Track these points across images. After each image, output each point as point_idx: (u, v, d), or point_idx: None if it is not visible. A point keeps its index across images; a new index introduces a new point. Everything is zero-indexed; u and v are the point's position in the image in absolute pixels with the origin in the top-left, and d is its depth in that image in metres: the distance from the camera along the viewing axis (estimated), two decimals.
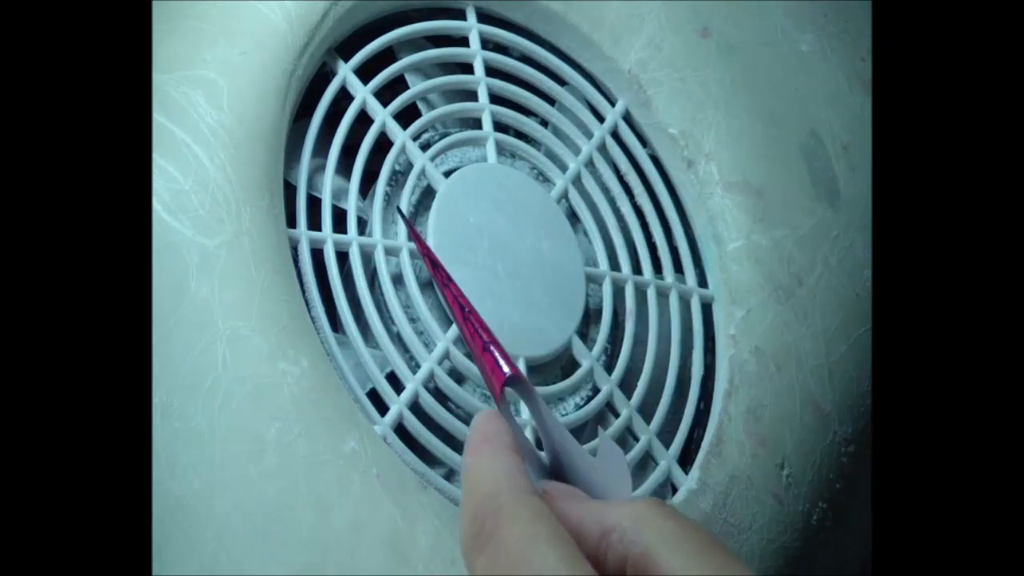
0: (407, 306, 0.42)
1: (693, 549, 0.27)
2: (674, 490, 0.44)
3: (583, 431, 0.44)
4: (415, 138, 0.45)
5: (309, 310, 0.39)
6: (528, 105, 0.49)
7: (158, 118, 0.38)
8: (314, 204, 0.41)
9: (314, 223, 0.41)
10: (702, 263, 0.50)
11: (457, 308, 0.35)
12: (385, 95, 0.44)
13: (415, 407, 0.40)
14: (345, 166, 0.44)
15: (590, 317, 0.47)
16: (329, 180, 0.42)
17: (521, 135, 0.49)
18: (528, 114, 0.49)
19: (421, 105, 0.47)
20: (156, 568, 0.33)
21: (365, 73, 0.44)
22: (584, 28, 0.50)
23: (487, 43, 0.49)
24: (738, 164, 0.50)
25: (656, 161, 0.51)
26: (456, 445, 0.40)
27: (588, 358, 0.44)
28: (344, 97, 0.44)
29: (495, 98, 0.48)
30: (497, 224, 0.44)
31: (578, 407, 0.44)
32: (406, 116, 0.45)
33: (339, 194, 0.42)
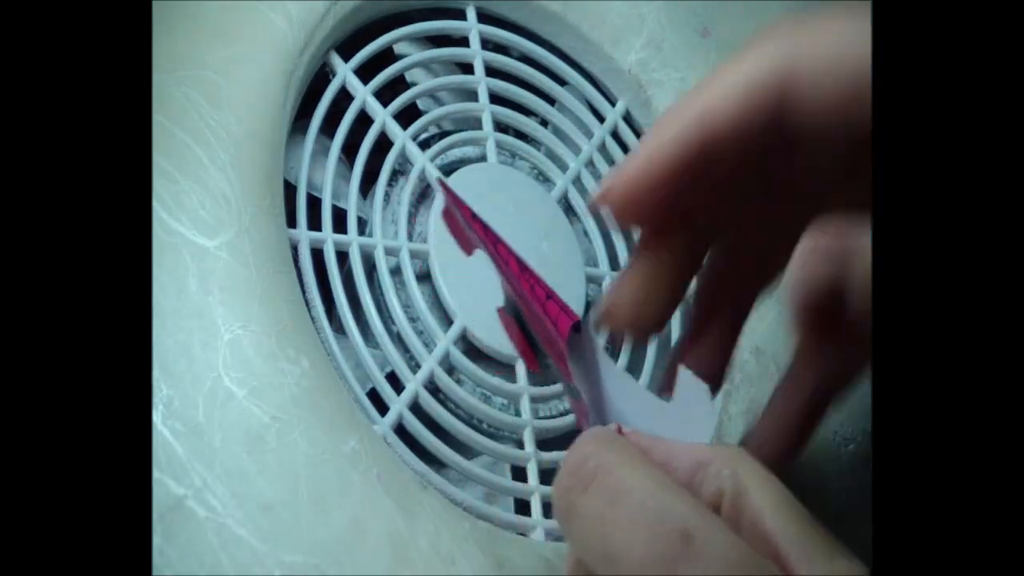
0: (407, 306, 0.42)
1: (783, 495, 0.26)
2: None
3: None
4: (415, 138, 0.45)
5: (309, 310, 0.39)
6: (528, 105, 0.49)
7: (158, 118, 0.38)
8: (314, 204, 0.41)
9: (314, 223, 0.41)
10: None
11: (514, 262, 0.35)
12: (385, 95, 0.44)
13: (415, 407, 0.40)
14: (345, 166, 0.44)
15: (590, 317, 0.47)
16: (329, 180, 0.42)
17: (521, 135, 0.49)
18: (528, 114, 0.49)
19: (421, 105, 0.47)
20: (156, 568, 0.33)
21: (365, 73, 0.44)
22: (584, 28, 0.50)
23: (487, 43, 0.49)
24: None
25: None
26: (456, 445, 0.40)
27: None
28: (344, 97, 0.44)
29: (495, 98, 0.48)
30: (497, 224, 0.44)
31: None
32: (406, 116, 0.45)
33: (339, 194, 0.42)
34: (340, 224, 0.42)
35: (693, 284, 0.34)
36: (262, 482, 0.34)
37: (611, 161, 0.50)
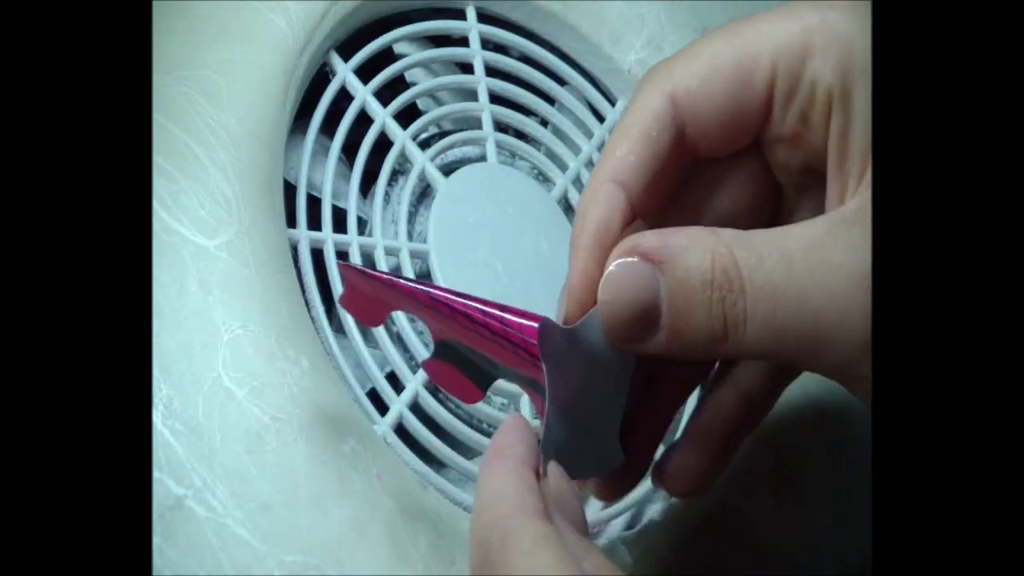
0: None
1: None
2: None
3: None
4: (415, 138, 0.45)
5: (309, 310, 0.39)
6: (528, 105, 0.49)
7: (158, 118, 0.38)
8: (314, 204, 0.41)
9: (314, 223, 0.41)
10: None
11: (451, 299, 0.32)
12: (385, 95, 0.44)
13: (415, 407, 0.40)
14: (345, 166, 0.44)
15: None
16: (329, 180, 0.42)
17: (521, 135, 0.49)
18: (528, 114, 0.49)
19: (421, 105, 0.47)
20: (156, 568, 0.33)
21: (365, 73, 0.44)
22: (584, 28, 0.50)
23: (487, 43, 0.49)
24: None
25: None
26: (456, 445, 0.40)
27: None
28: (344, 97, 0.44)
29: (495, 98, 0.48)
30: (497, 224, 0.44)
31: None
32: (406, 116, 0.45)
33: (339, 194, 0.42)
34: (340, 224, 0.42)
35: None
36: (262, 482, 0.34)
37: None
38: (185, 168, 0.37)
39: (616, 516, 0.43)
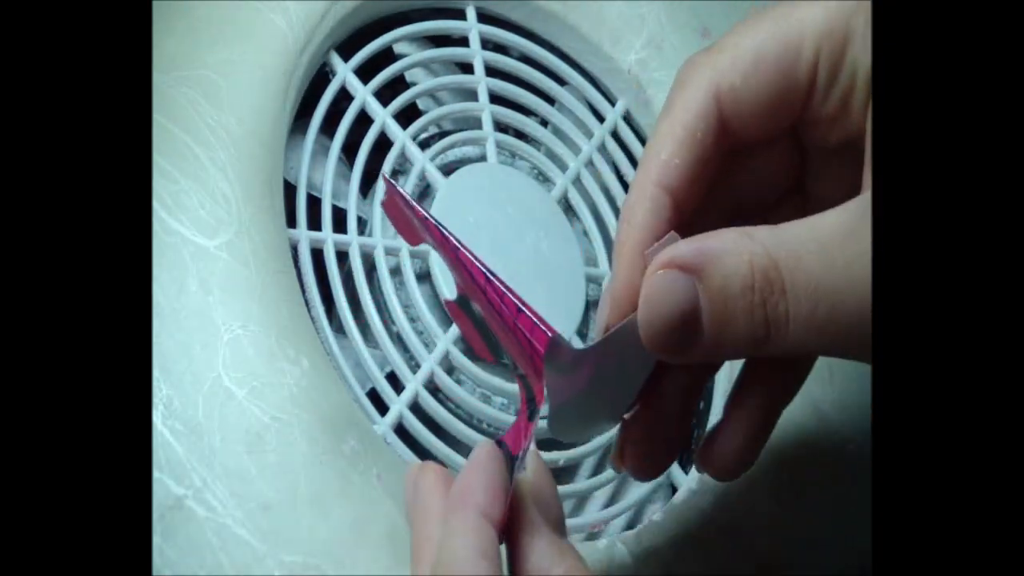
0: (407, 306, 0.42)
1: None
2: (674, 490, 0.44)
3: None
4: (415, 138, 0.45)
5: (309, 310, 0.39)
6: (528, 105, 0.49)
7: (158, 118, 0.38)
8: (314, 204, 0.41)
9: (314, 223, 0.41)
10: None
11: (479, 271, 0.32)
12: (385, 95, 0.44)
13: (415, 407, 0.40)
14: (345, 166, 0.44)
15: (590, 317, 0.47)
16: (329, 180, 0.42)
17: (521, 135, 0.49)
18: (528, 114, 0.49)
19: (421, 105, 0.47)
20: (156, 568, 0.33)
21: (365, 73, 0.44)
22: (584, 28, 0.50)
23: (487, 43, 0.49)
24: None
25: None
26: (456, 445, 0.40)
27: None
28: (344, 97, 0.44)
29: (495, 98, 0.48)
30: (497, 224, 0.44)
31: None
32: (406, 116, 0.45)
33: (339, 194, 0.42)
34: (340, 224, 0.42)
35: None
36: (262, 482, 0.34)
37: (611, 161, 0.50)
38: (185, 168, 0.37)
39: (616, 516, 0.43)
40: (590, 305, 0.46)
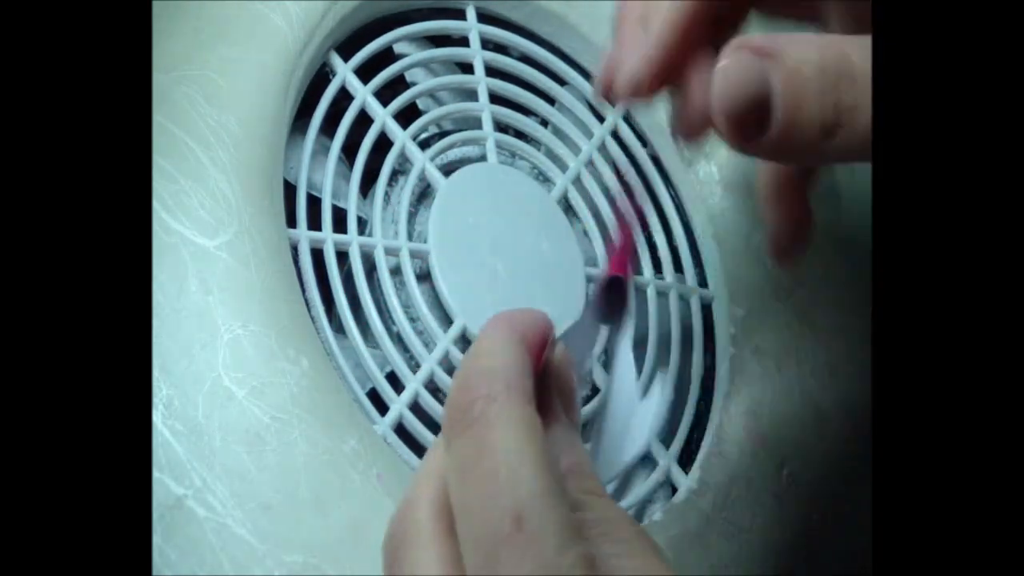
0: (407, 306, 0.42)
1: None
2: (674, 490, 0.44)
3: (584, 430, 0.44)
4: (415, 138, 0.45)
5: (309, 310, 0.39)
6: (528, 105, 0.49)
7: (158, 118, 0.38)
8: (314, 204, 0.41)
9: (314, 223, 0.41)
10: (702, 263, 0.50)
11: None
12: (385, 95, 0.44)
13: (415, 407, 0.40)
14: (345, 166, 0.44)
15: None
16: (329, 180, 0.42)
17: (521, 135, 0.49)
18: (528, 114, 0.49)
19: (421, 105, 0.47)
20: (156, 568, 0.33)
21: (365, 73, 0.44)
22: (584, 28, 0.50)
23: (487, 43, 0.49)
24: (738, 164, 0.50)
25: (656, 161, 0.51)
26: None
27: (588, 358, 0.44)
28: (344, 97, 0.44)
29: (495, 98, 0.48)
30: (497, 224, 0.44)
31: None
32: (406, 116, 0.45)
33: (339, 194, 0.42)
34: (340, 224, 0.42)
35: None
36: (262, 482, 0.34)
37: (611, 161, 0.50)
38: (185, 168, 0.37)
39: None
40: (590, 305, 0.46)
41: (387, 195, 0.44)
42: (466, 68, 0.48)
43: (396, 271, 0.42)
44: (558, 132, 0.49)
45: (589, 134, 0.50)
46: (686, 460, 0.45)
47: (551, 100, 0.50)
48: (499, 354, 0.28)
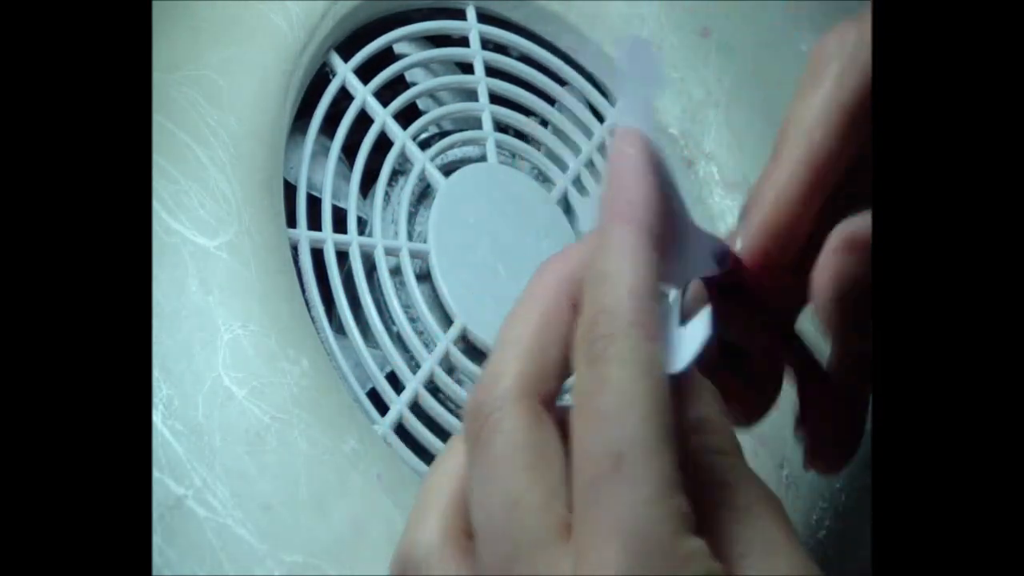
0: (407, 306, 0.42)
1: None
2: None
3: None
4: (415, 138, 0.45)
5: (309, 310, 0.39)
6: (528, 105, 0.49)
7: (158, 118, 0.38)
8: (314, 204, 0.41)
9: (314, 223, 0.41)
10: None
11: None
12: (385, 95, 0.44)
13: (415, 407, 0.40)
14: (345, 166, 0.44)
15: None
16: (329, 180, 0.42)
17: (521, 135, 0.49)
18: (528, 114, 0.49)
19: (421, 105, 0.47)
20: (156, 568, 0.33)
21: (365, 73, 0.44)
22: (584, 28, 0.50)
23: (487, 43, 0.49)
24: (738, 164, 0.50)
25: None
26: None
27: None
28: (344, 97, 0.44)
29: (495, 98, 0.48)
30: (497, 224, 0.44)
31: None
32: (406, 116, 0.45)
33: (339, 194, 0.42)
34: (340, 224, 0.42)
35: None
36: (262, 482, 0.34)
37: None
38: (185, 168, 0.37)
39: None
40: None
41: (387, 195, 0.44)
42: (466, 68, 0.48)
43: (396, 271, 0.42)
44: (558, 132, 0.49)
45: (589, 134, 0.50)
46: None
47: (551, 100, 0.50)
48: (629, 273, 0.26)
